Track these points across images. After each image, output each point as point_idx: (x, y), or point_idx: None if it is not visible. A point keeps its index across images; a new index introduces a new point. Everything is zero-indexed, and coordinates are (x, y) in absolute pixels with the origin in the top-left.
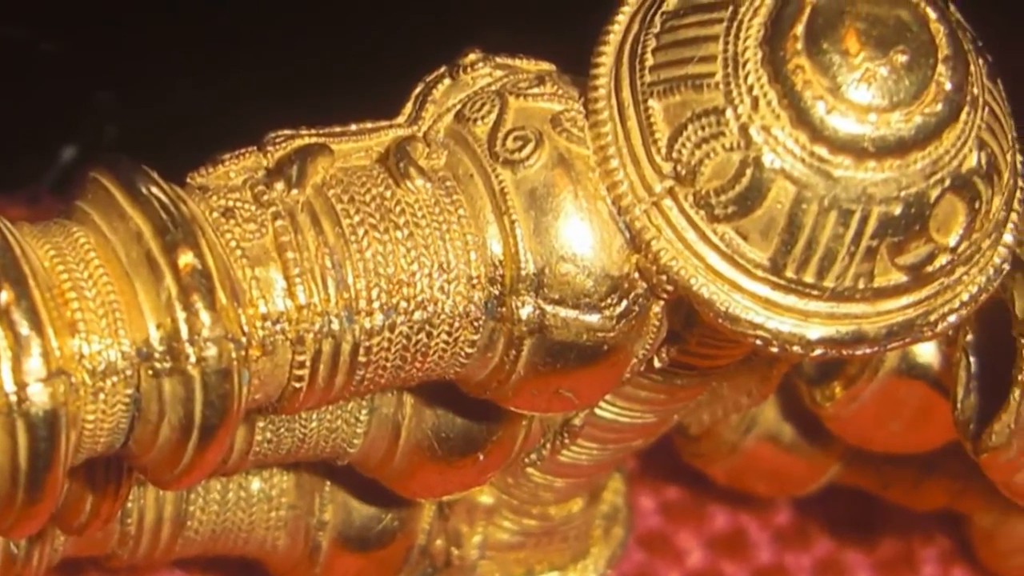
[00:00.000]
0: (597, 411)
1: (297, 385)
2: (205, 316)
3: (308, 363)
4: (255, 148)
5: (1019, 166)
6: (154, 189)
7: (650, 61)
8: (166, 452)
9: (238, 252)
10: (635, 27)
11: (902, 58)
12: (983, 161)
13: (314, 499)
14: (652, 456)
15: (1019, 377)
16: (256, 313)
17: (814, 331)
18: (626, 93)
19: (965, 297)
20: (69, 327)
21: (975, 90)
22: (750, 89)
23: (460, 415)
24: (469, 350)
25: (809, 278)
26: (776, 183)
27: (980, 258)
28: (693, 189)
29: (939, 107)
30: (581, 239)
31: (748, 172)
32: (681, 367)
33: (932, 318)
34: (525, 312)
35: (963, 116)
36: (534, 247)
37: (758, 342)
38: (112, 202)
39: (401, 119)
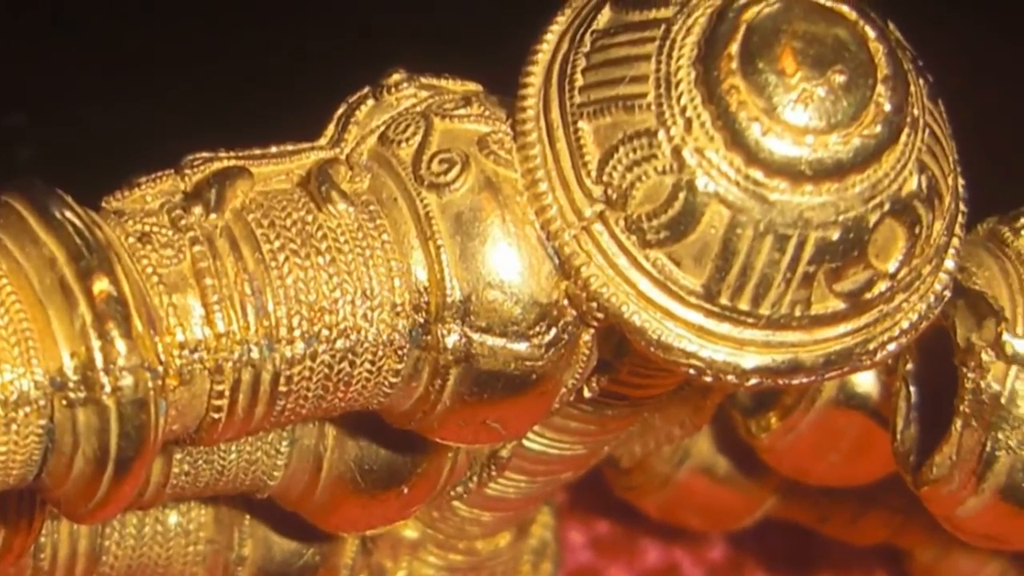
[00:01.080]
0: (525, 442)
1: (216, 416)
2: (120, 344)
3: (227, 393)
4: (172, 171)
5: (960, 189)
6: (68, 214)
7: (580, 81)
8: (80, 485)
9: (155, 278)
10: (565, 46)
11: (840, 78)
12: (924, 184)
13: (233, 533)
14: (582, 489)
15: (961, 407)
16: (173, 341)
17: (749, 360)
18: (555, 114)
19: (905, 325)
20: None
21: (915, 111)
22: (683, 110)
23: (384, 446)
24: (393, 379)
25: (744, 305)
26: (710, 207)
27: (920, 285)
28: (624, 213)
29: (878, 129)
30: (509, 265)
31: (681, 196)
32: (612, 397)
33: (871, 346)
34: (451, 340)
35: (903, 138)
36: (460, 273)
37: (691, 371)
38: (25, 227)
39: (323, 141)
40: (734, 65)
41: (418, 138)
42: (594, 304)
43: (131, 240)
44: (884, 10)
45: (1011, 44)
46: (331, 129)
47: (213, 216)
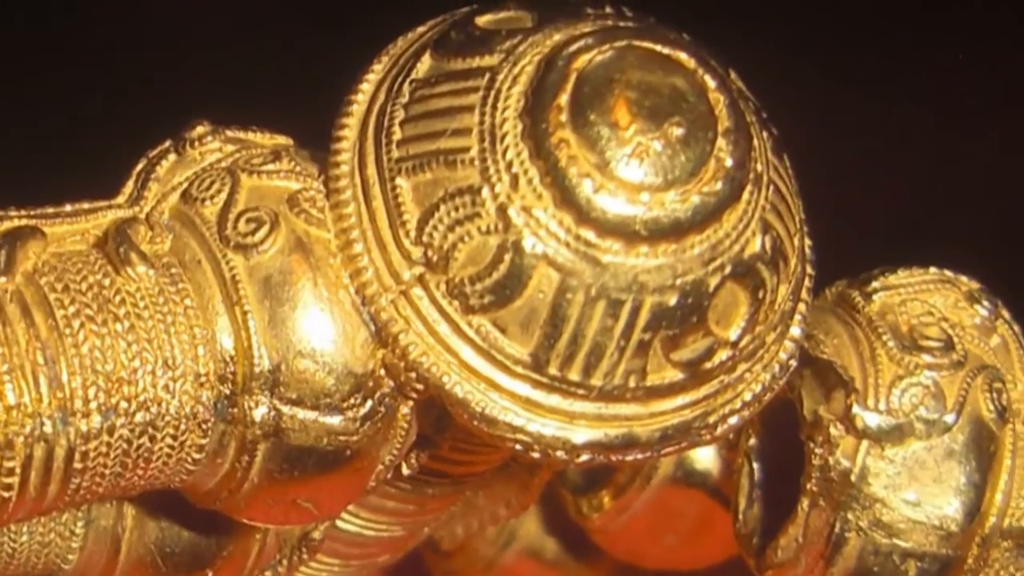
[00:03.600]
0: (339, 523)
1: (6, 495)
2: None
3: (18, 470)
4: None
5: (807, 251)
6: None
7: (398, 135)
8: None
9: None
10: (381, 96)
11: (677, 131)
12: (768, 245)
13: None
14: (400, 573)
15: (807, 486)
16: None
17: (580, 434)
18: (371, 170)
19: (748, 397)
20: None
21: (759, 167)
22: (509, 165)
23: (187, 528)
24: (197, 455)
25: (575, 375)
26: (538, 270)
27: (764, 353)
28: (446, 277)
29: (719, 185)
30: (321, 332)
31: (507, 258)
32: (432, 474)
33: (711, 420)
34: (259, 413)
35: (745, 195)
36: (269, 341)
37: (518, 446)
38: None
39: (121, 199)
40: (564, 117)
41: (223, 195)
42: (413, 374)
43: None
44: (725, 58)
45: (861, 96)
46: (130, 186)
47: (3, 280)
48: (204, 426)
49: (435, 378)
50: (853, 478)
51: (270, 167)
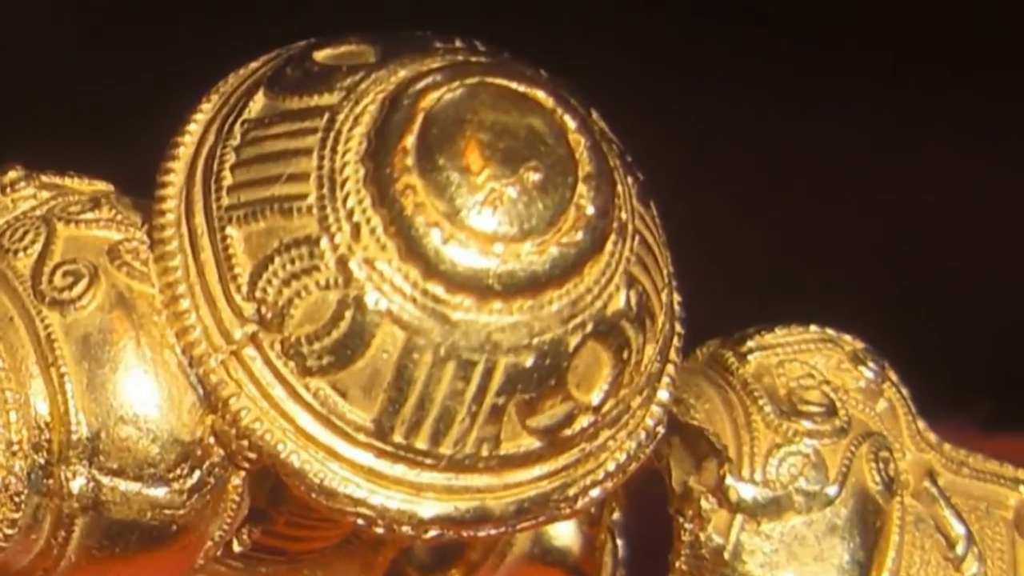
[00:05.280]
0: None
1: None
2: None
3: None
4: None
5: (676, 307)
6: None
7: (228, 180)
8: None
9: None
10: (211, 138)
11: (534, 176)
12: (633, 301)
13: None
14: None
15: (676, 564)
16: None
17: (428, 508)
18: (199, 219)
19: (611, 467)
20: None
21: (623, 215)
22: (350, 214)
23: None
24: (9, 531)
25: (422, 444)
26: (382, 328)
27: (629, 419)
28: (281, 336)
29: (579, 236)
30: (145, 396)
31: (348, 315)
32: (267, 551)
33: (571, 492)
34: (77, 485)
35: (608, 247)
36: (88, 406)
37: (360, 521)
38: None
39: None
40: (410, 161)
41: (38, 247)
42: (245, 442)
43: None
44: (586, 97)
45: (734, 139)
46: None
47: None
48: (17, 499)
49: (269, 446)
50: (726, 556)
51: (89, 215)
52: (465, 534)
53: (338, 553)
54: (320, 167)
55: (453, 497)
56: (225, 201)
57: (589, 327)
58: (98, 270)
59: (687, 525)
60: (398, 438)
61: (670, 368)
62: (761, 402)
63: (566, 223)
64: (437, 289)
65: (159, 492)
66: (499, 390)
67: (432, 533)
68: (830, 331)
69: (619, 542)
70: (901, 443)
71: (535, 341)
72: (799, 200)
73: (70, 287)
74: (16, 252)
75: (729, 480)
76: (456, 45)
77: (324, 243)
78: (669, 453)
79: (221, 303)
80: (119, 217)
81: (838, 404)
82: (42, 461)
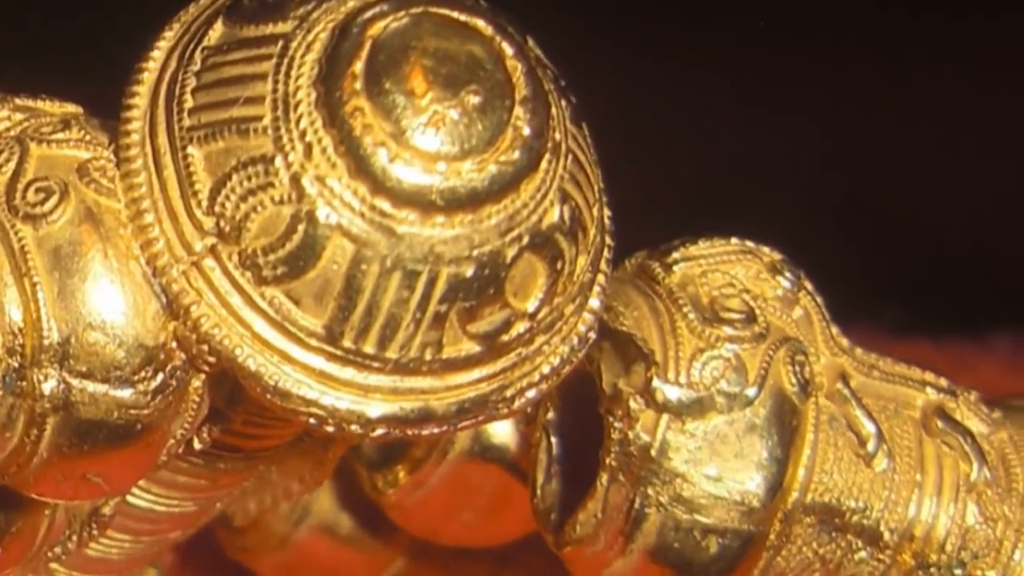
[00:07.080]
0: (130, 499)
1: None
2: None
3: None
4: None
5: (607, 221)
6: None
7: (189, 103)
8: None
9: None
10: (173, 64)
11: (474, 99)
12: (566, 216)
13: None
14: (192, 550)
15: (607, 460)
16: None
17: (375, 408)
18: (162, 139)
19: (546, 370)
20: None
21: (557, 135)
22: (303, 134)
23: None
24: None
25: (369, 348)
26: (332, 241)
27: (563, 326)
28: (238, 247)
29: (516, 155)
30: (111, 304)
31: (300, 228)
32: (225, 449)
33: (508, 393)
34: (48, 386)
35: (543, 165)
36: (59, 313)
37: (312, 420)
38: None
39: None
40: (358, 85)
41: (12, 165)
42: (205, 347)
43: None
44: (523, 25)
45: (662, 64)
46: None
47: None
48: None
49: (227, 351)
50: (653, 453)
51: (60, 136)
52: (410, 433)
53: (291, 451)
54: (275, 91)
55: (399, 398)
56: (186, 122)
57: (525, 239)
58: (68, 187)
59: (617, 424)
60: (347, 343)
61: (601, 278)
62: (685, 309)
63: (504, 143)
64: (384, 204)
65: (125, 393)
66: (441, 298)
67: (379, 432)
68: (750, 243)
69: (553, 440)
70: (816, 348)
71: (475, 253)
72: (727, 127)
73: (42, 202)
74: None
75: (656, 382)
76: None
77: (278, 161)
78: (600, 357)
79: (183, 217)
80: (88, 137)
81: (757, 311)
82: (16, 365)
